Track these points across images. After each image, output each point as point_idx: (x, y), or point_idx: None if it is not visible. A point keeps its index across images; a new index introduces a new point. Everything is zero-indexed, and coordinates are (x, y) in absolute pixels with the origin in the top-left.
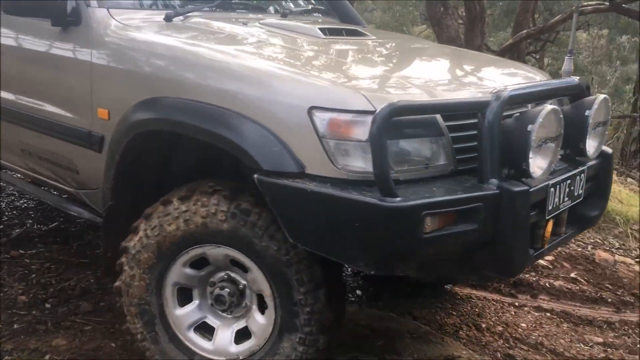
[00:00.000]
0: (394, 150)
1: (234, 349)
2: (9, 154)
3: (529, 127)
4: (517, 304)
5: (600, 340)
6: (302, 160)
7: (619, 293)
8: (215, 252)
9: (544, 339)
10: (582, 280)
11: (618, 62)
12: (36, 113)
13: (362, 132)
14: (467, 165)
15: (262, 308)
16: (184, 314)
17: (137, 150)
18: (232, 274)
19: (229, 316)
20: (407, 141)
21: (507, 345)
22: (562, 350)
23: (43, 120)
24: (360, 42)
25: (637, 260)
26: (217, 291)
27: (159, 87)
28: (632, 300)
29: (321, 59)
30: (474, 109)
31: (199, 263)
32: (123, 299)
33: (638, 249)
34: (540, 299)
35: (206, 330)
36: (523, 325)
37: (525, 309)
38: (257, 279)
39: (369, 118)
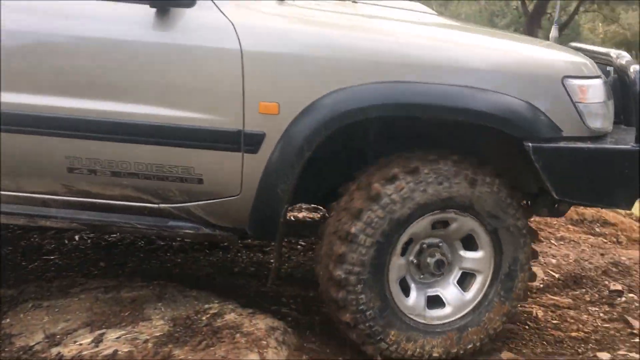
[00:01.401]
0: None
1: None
2: (42, 180)
3: None
4: None
5: None
6: (559, 125)
7: None
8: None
9: None
10: None
11: None
12: (125, 119)
13: (599, 94)
14: None
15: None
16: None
17: (332, 141)
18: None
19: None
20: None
21: None
22: None
23: (139, 126)
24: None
25: None
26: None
27: (370, 71)
28: None
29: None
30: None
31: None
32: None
33: None
34: None
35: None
36: None
37: None
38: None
39: (599, 81)
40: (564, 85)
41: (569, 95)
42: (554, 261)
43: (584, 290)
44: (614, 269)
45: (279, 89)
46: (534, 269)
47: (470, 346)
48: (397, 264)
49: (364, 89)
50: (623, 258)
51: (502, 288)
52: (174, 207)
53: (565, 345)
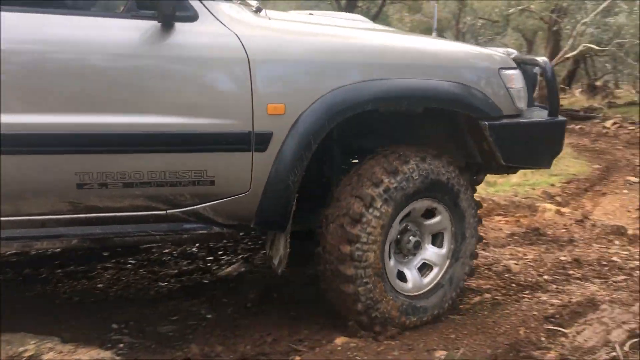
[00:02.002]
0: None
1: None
2: (47, 199)
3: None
4: None
5: None
6: (500, 106)
7: None
8: (420, 204)
9: None
10: None
11: None
12: (139, 130)
13: (520, 81)
14: None
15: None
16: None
17: (333, 133)
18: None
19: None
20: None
21: None
22: None
23: (154, 135)
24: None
25: None
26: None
27: (357, 72)
28: None
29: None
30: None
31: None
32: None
33: None
34: None
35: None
36: None
37: None
38: (442, 220)
39: (519, 71)
40: (500, 75)
41: (503, 82)
42: None
43: None
44: None
45: (285, 91)
46: None
47: None
48: (393, 233)
49: (357, 87)
50: None
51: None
52: (182, 212)
53: None
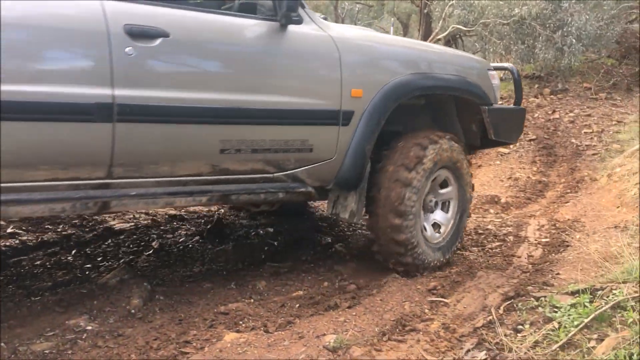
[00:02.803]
0: None
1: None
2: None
3: None
4: None
5: None
6: (490, 97)
7: None
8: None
9: None
10: None
11: None
12: (267, 106)
13: (497, 79)
14: None
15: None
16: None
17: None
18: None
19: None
20: None
21: None
22: None
23: (277, 111)
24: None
25: None
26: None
27: (410, 67)
28: None
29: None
30: None
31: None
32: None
33: None
34: None
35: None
36: None
37: None
38: (452, 190)
39: (495, 72)
40: (488, 74)
41: (490, 80)
42: (271, 230)
43: (301, 252)
44: (324, 224)
45: (363, 80)
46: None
47: None
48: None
49: (410, 78)
50: None
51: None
52: (284, 174)
53: None
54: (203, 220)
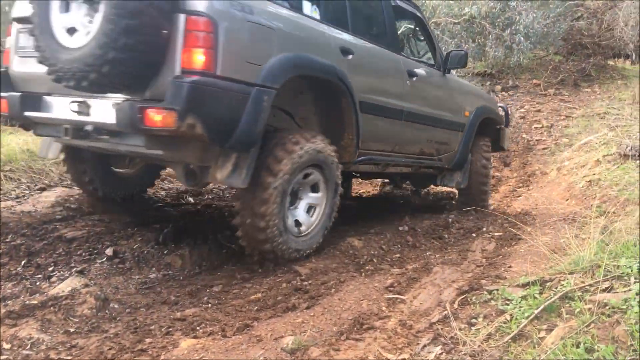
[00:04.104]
0: None
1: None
2: (413, 147)
3: None
4: None
5: None
6: (503, 123)
7: None
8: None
9: None
10: None
11: None
12: (438, 117)
13: (502, 110)
14: None
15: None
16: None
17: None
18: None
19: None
20: None
21: None
22: None
23: (440, 120)
24: None
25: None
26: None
27: (480, 101)
28: None
29: None
30: None
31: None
32: None
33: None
34: None
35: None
36: None
37: None
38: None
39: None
40: (500, 108)
41: (500, 112)
42: (228, 233)
43: None
44: None
45: (468, 107)
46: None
47: None
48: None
49: (484, 107)
50: None
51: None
52: (437, 158)
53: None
54: (159, 225)
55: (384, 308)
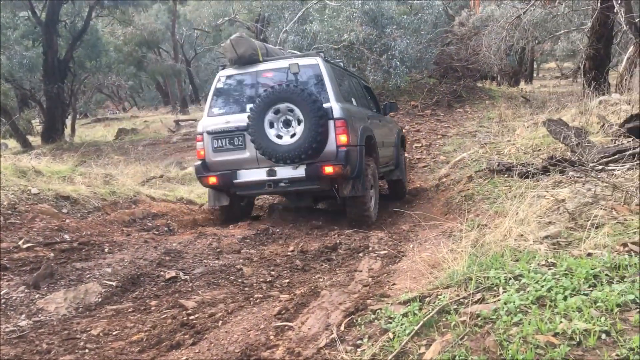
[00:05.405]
0: None
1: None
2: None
3: None
4: None
5: None
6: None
7: None
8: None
9: None
10: None
11: None
12: (386, 143)
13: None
14: None
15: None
16: None
17: None
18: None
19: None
20: None
21: None
22: None
23: (388, 143)
24: None
25: None
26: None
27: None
28: None
29: None
30: None
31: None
32: None
33: None
34: None
35: None
36: None
37: None
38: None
39: None
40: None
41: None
42: (109, 270)
43: (142, 288)
44: (167, 258)
45: (395, 130)
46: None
47: None
48: None
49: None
50: (175, 244)
51: None
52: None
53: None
54: (29, 268)
55: (272, 337)
